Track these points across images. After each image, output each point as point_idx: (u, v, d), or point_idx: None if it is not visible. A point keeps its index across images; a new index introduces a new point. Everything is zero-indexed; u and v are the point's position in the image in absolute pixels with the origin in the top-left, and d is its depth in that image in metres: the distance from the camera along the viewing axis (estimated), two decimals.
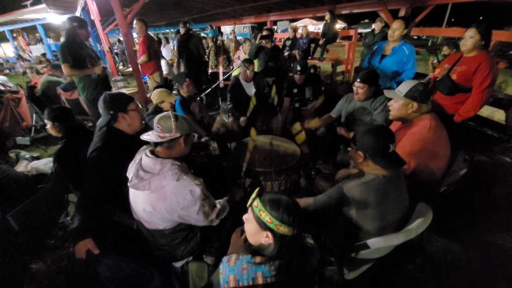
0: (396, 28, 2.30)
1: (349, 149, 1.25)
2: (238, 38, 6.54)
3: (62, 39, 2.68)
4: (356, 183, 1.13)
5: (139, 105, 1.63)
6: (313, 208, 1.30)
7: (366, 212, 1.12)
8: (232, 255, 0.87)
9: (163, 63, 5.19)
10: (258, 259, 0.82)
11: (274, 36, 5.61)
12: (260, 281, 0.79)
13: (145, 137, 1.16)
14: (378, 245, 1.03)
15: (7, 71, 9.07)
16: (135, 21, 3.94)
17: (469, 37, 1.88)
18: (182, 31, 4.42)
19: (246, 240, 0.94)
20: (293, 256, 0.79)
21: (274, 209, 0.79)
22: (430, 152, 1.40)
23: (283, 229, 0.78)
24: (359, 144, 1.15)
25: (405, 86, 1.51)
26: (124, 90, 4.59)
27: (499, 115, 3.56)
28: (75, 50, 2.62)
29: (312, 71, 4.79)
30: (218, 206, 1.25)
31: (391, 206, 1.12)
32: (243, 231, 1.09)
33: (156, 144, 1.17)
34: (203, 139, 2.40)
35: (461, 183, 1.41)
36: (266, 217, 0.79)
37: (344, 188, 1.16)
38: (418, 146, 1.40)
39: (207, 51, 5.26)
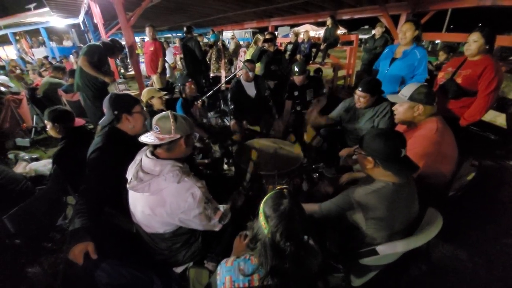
0: (407, 30, 2.22)
1: (355, 152, 1.20)
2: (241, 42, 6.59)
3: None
4: (365, 192, 1.08)
5: (144, 108, 1.63)
6: (318, 216, 1.25)
7: (375, 220, 1.07)
8: (230, 258, 0.86)
9: (165, 66, 5.23)
10: (255, 260, 0.80)
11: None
12: (256, 283, 0.77)
13: (143, 139, 1.13)
14: (388, 251, 0.99)
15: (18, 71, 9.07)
16: (147, 28, 4.18)
17: (473, 41, 1.86)
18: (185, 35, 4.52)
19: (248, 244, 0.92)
20: (280, 259, 0.75)
21: (267, 204, 0.81)
22: (438, 155, 1.37)
23: (263, 224, 0.78)
24: (368, 150, 1.09)
25: (408, 89, 1.49)
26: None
27: (501, 119, 3.55)
28: (102, 57, 3.01)
29: (312, 74, 4.81)
30: (222, 209, 1.22)
31: (401, 215, 1.09)
32: (246, 236, 1.06)
33: (156, 146, 1.14)
34: (198, 144, 2.40)
35: (468, 188, 1.39)
36: (261, 209, 0.81)
37: (353, 196, 1.11)
38: (426, 148, 1.37)
39: (208, 54, 5.31)
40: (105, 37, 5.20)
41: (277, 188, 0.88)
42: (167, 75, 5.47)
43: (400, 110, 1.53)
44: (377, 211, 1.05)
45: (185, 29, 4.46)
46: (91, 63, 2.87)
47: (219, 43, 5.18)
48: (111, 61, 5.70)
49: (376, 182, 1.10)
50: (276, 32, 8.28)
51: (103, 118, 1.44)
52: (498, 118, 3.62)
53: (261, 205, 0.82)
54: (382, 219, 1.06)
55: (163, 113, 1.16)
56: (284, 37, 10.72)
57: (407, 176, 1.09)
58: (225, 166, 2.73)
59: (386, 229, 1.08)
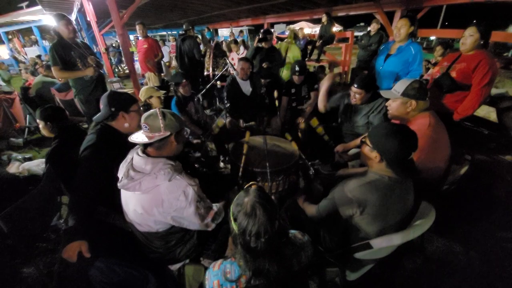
0: (401, 26, 2.22)
1: (361, 141, 1.15)
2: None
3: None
4: (358, 184, 1.07)
5: (141, 108, 1.62)
6: (318, 218, 1.24)
7: (367, 212, 1.06)
8: (218, 261, 0.85)
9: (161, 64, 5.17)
10: (241, 262, 0.79)
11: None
12: (243, 285, 0.76)
13: (133, 138, 1.11)
14: (382, 245, 1.00)
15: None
16: (138, 26, 4.10)
17: (469, 35, 1.87)
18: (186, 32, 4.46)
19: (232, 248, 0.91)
20: (258, 259, 0.75)
21: (234, 204, 0.81)
22: (431, 149, 1.38)
23: (233, 224, 0.78)
24: (377, 145, 1.04)
25: (401, 85, 1.49)
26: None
27: (494, 114, 3.58)
28: (64, 51, 2.52)
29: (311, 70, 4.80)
30: (215, 208, 1.20)
31: (394, 208, 1.08)
32: None
33: (146, 145, 1.12)
34: (195, 141, 2.38)
35: (461, 182, 1.40)
36: (230, 210, 0.81)
37: (345, 189, 1.10)
38: (420, 143, 1.37)
39: (203, 52, 5.26)
40: (98, 35, 5.12)
41: (247, 185, 0.87)
42: (163, 73, 5.42)
43: (393, 106, 1.54)
44: (370, 202, 1.03)
45: (184, 26, 4.40)
46: (63, 69, 2.55)
47: (211, 45, 5.12)
48: (105, 60, 5.64)
49: (371, 174, 1.09)
50: (272, 30, 8.25)
51: (98, 115, 1.43)
52: (492, 114, 3.66)
53: (231, 206, 0.82)
54: (375, 210, 1.05)
55: (151, 111, 1.13)
56: (280, 34, 10.69)
57: (406, 177, 1.08)
58: (221, 164, 2.72)
59: (378, 223, 1.08)
